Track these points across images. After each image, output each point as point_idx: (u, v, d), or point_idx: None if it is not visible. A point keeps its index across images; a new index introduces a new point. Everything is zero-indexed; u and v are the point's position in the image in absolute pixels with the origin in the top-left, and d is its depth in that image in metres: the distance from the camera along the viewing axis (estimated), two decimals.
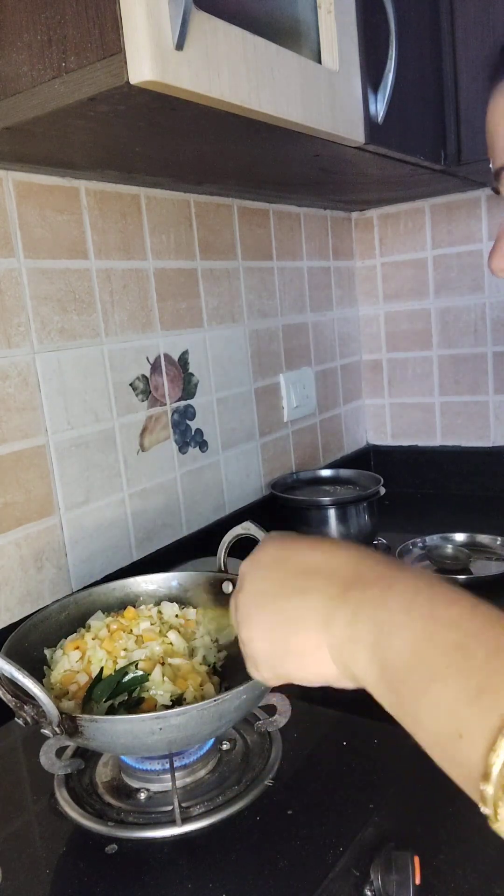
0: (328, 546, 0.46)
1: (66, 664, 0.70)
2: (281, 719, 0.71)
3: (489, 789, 0.31)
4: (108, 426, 1.02)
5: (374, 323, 1.68)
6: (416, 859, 0.53)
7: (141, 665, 0.68)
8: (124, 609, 0.79)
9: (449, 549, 1.22)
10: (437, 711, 0.34)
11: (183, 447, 1.17)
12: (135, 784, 0.68)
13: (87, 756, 0.73)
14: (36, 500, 0.92)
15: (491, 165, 0.57)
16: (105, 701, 0.66)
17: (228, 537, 0.83)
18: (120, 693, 0.67)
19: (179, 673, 0.69)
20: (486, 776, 0.31)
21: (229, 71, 0.66)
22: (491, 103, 0.53)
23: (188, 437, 1.18)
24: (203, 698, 0.66)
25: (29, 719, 0.58)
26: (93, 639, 0.73)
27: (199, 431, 1.20)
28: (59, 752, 0.70)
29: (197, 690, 0.68)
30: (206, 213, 1.20)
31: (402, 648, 0.37)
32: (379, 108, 0.92)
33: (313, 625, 0.42)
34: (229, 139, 0.83)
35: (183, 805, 0.64)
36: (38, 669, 0.71)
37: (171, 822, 0.62)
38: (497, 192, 0.58)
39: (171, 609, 0.79)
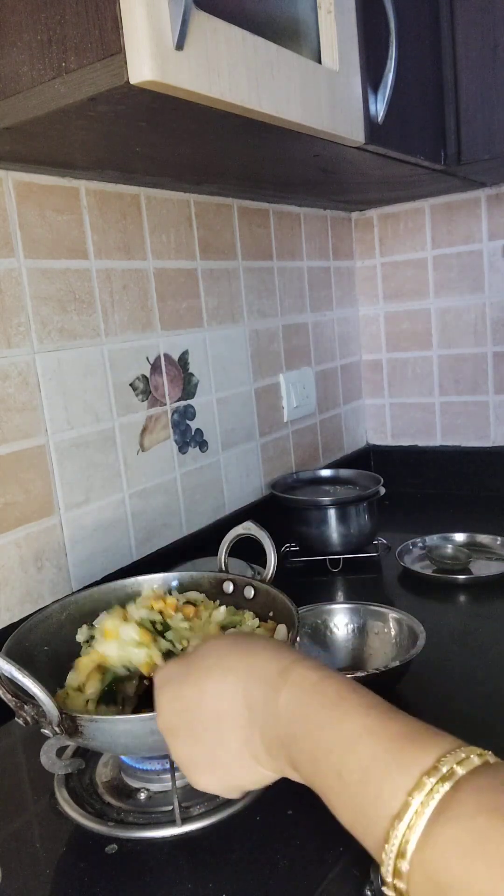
0: (213, 684, 0.48)
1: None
2: None
3: (389, 867, 0.34)
4: (108, 426, 1.02)
5: (374, 323, 1.68)
6: None
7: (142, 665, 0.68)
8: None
9: (449, 549, 1.22)
10: (346, 807, 0.38)
11: (183, 447, 1.17)
12: (135, 784, 0.68)
13: (88, 756, 0.73)
14: (36, 500, 0.92)
15: None
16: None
17: (229, 537, 0.83)
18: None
19: None
20: (384, 860, 0.34)
21: (229, 71, 0.66)
22: None
23: (188, 437, 1.18)
24: None
25: (29, 719, 0.58)
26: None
27: (199, 431, 1.20)
28: (60, 752, 0.70)
29: None
30: (206, 213, 1.20)
31: (310, 766, 0.41)
32: (379, 108, 0.92)
33: (227, 749, 0.46)
34: (229, 139, 0.83)
35: (183, 805, 0.64)
36: (38, 669, 0.71)
37: (171, 822, 0.62)
38: None
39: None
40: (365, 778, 0.37)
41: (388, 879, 0.34)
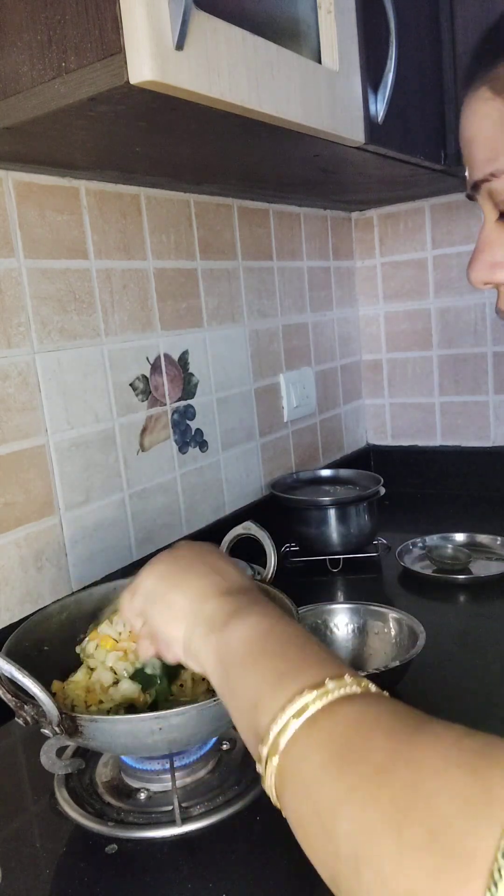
0: (234, 565, 0.60)
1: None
2: None
3: (264, 751, 0.39)
4: (108, 426, 1.02)
5: (374, 323, 1.68)
6: None
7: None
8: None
9: (449, 549, 1.22)
10: (247, 687, 0.45)
11: (183, 447, 1.17)
12: (135, 784, 0.68)
13: (88, 756, 0.73)
14: (36, 500, 0.92)
15: (466, 175, 0.56)
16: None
17: (229, 537, 0.83)
18: None
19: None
20: (264, 740, 0.39)
21: (229, 71, 0.66)
22: (466, 111, 0.51)
23: (188, 437, 1.18)
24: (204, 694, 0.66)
25: (29, 719, 0.58)
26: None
27: (199, 431, 1.20)
28: (60, 752, 0.70)
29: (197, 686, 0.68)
30: (206, 213, 1.20)
31: (239, 644, 0.48)
32: (379, 108, 0.92)
33: (190, 598, 0.55)
34: (229, 139, 0.83)
35: (183, 805, 0.64)
36: (37, 669, 0.71)
37: (171, 822, 0.62)
38: (472, 199, 0.58)
39: None
40: (298, 656, 0.45)
41: (263, 753, 0.39)
